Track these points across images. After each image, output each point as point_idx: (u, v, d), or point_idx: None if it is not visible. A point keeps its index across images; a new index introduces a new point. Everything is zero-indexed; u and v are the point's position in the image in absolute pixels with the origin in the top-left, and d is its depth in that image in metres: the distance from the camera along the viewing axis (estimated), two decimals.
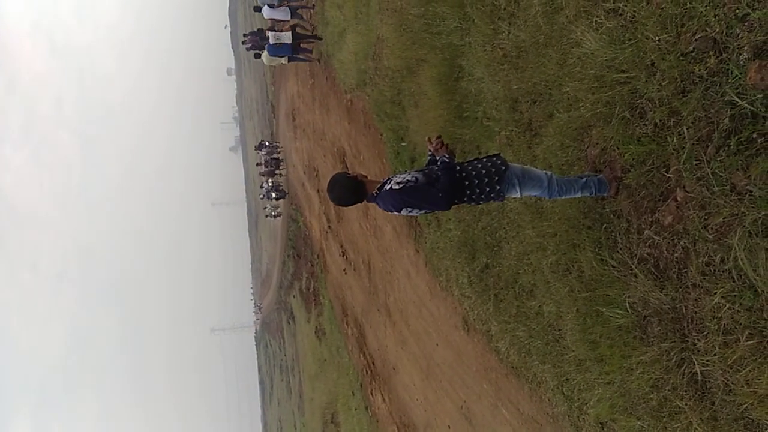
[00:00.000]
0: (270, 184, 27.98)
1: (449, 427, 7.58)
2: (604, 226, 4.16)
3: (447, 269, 7.37)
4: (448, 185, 3.60)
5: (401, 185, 3.59)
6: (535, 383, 5.31)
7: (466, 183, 3.68)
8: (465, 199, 3.73)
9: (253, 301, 63.03)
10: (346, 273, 13.86)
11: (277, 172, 28.28)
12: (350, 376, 13.57)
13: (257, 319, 54.38)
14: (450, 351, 7.53)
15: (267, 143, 30.70)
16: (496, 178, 3.70)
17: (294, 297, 25.41)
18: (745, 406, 3.07)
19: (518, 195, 3.82)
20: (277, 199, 27.89)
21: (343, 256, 14.11)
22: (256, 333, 60.57)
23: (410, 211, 3.70)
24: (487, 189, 3.71)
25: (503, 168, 3.73)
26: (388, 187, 3.64)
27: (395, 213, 3.74)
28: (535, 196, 4.05)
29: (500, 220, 5.89)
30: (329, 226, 16.08)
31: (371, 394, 11.72)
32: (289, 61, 15.26)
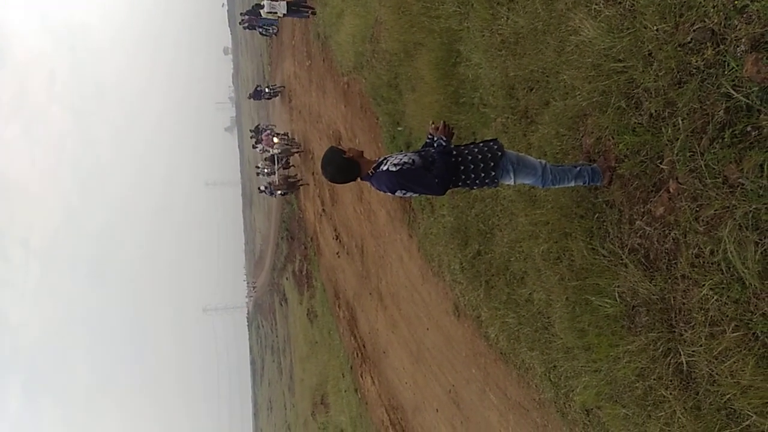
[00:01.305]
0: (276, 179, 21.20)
1: (437, 410, 7.65)
2: (596, 216, 4.17)
3: (439, 255, 7.39)
4: (444, 170, 3.59)
5: (398, 167, 3.58)
6: (523, 369, 5.35)
7: (462, 168, 3.67)
8: (460, 183, 3.73)
9: (246, 282, 63.14)
10: (339, 256, 13.87)
11: (286, 171, 21.25)
12: (341, 358, 13.65)
13: (250, 298, 54.44)
14: (440, 336, 7.58)
15: (267, 89, 24.66)
16: (492, 163, 3.69)
17: (287, 279, 25.44)
18: (728, 396, 3.11)
19: (512, 182, 3.82)
20: (283, 194, 21.52)
21: (336, 239, 14.11)
22: (248, 314, 60.72)
23: (404, 193, 3.69)
24: (482, 174, 3.70)
25: (499, 153, 3.72)
26: (384, 167, 3.62)
27: (388, 194, 3.74)
28: (528, 184, 4.05)
29: (493, 207, 5.90)
30: (323, 209, 16.06)
31: (361, 376, 11.80)
32: (285, 15, 16.33)
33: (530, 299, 5.14)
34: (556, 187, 4.02)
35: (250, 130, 28.84)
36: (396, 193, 3.70)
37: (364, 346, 11.71)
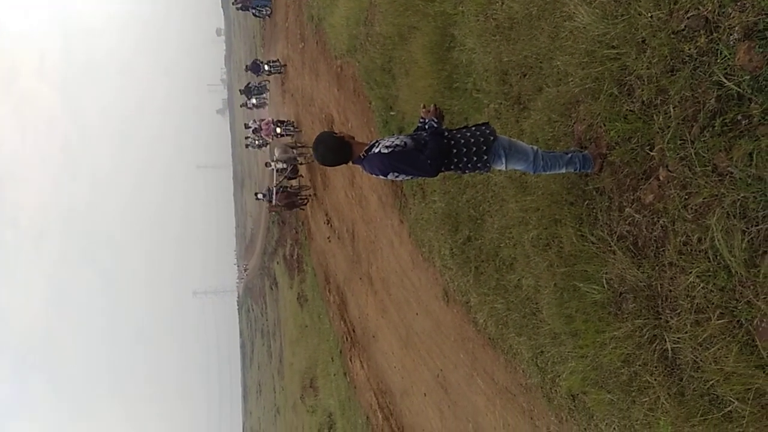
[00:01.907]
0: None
1: (425, 394, 7.71)
2: (586, 203, 4.18)
3: (430, 240, 7.40)
4: (437, 151, 3.59)
5: (390, 149, 3.57)
6: (510, 355, 5.39)
7: (454, 151, 3.67)
8: (452, 167, 3.72)
9: (236, 266, 63.10)
10: (330, 241, 13.87)
11: (293, 181, 16.85)
12: (330, 342, 13.69)
13: (241, 281, 54.37)
14: (429, 321, 7.61)
15: (267, 66, 20.75)
16: (484, 147, 3.69)
17: (277, 263, 25.43)
18: (711, 382, 3.15)
19: (503, 167, 3.82)
20: (287, 207, 16.85)
21: (327, 224, 14.09)
22: (238, 297, 60.73)
23: (396, 176, 3.68)
24: (474, 158, 3.70)
25: (491, 138, 3.72)
26: (376, 150, 3.61)
27: (381, 177, 3.73)
28: (520, 170, 4.05)
29: (484, 193, 5.90)
30: (315, 194, 16.01)
31: (350, 360, 11.86)
32: None
33: (519, 285, 5.16)
34: (547, 173, 4.02)
35: (240, 91, 24.99)
36: (388, 176, 3.69)
37: (353, 331, 11.75)
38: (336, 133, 3.67)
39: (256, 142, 20.60)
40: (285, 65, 20.29)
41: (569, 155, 4.02)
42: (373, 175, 3.80)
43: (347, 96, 11.60)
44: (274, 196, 15.83)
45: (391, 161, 3.60)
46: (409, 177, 3.79)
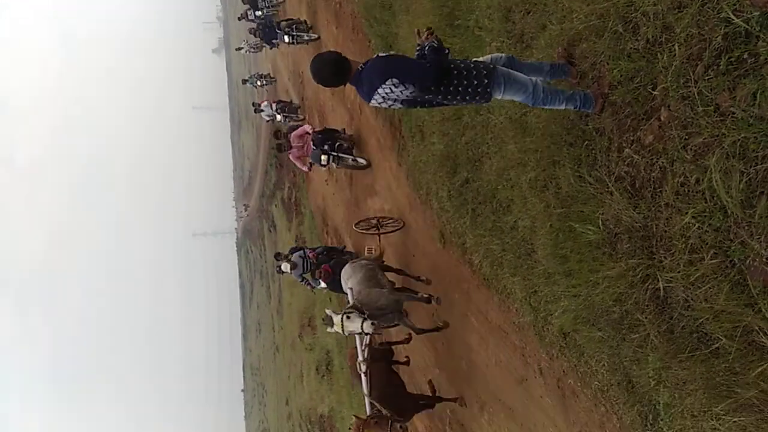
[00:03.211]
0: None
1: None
2: (585, 144, 4.15)
3: (428, 183, 7.39)
4: (438, 61, 3.57)
5: (387, 54, 3.54)
6: (504, 294, 5.49)
7: (455, 72, 3.62)
8: (451, 88, 3.64)
9: (234, 208, 63.22)
10: (327, 184, 13.85)
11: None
12: None
13: (240, 221, 54.50)
14: (425, 262, 7.70)
15: (287, 34, 13.88)
16: (485, 72, 3.64)
17: (275, 206, 25.48)
18: (701, 320, 3.22)
19: (500, 96, 3.75)
20: (398, 414, 6.44)
21: (325, 166, 14.01)
22: (237, 239, 61.12)
23: (389, 94, 3.59)
24: (475, 82, 3.64)
25: (492, 66, 3.69)
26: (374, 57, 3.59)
27: (374, 101, 3.65)
28: (518, 101, 3.96)
29: (484, 135, 5.85)
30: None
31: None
32: None
33: (515, 227, 5.19)
34: (547, 107, 3.96)
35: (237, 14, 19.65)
36: (380, 90, 3.58)
37: None
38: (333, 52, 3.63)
39: (276, 117, 14.91)
40: (319, 37, 13.63)
41: (570, 92, 3.96)
42: (370, 101, 3.70)
43: (346, 34, 11.32)
44: (365, 385, 6.94)
45: (389, 65, 3.58)
46: (402, 103, 3.69)
